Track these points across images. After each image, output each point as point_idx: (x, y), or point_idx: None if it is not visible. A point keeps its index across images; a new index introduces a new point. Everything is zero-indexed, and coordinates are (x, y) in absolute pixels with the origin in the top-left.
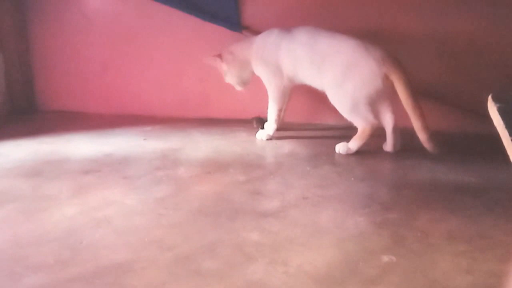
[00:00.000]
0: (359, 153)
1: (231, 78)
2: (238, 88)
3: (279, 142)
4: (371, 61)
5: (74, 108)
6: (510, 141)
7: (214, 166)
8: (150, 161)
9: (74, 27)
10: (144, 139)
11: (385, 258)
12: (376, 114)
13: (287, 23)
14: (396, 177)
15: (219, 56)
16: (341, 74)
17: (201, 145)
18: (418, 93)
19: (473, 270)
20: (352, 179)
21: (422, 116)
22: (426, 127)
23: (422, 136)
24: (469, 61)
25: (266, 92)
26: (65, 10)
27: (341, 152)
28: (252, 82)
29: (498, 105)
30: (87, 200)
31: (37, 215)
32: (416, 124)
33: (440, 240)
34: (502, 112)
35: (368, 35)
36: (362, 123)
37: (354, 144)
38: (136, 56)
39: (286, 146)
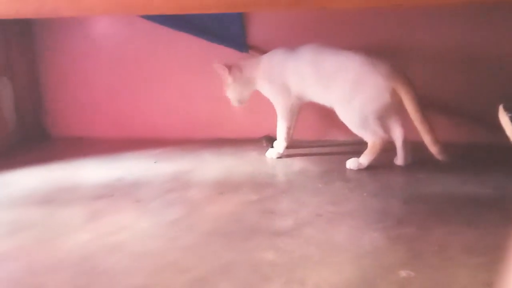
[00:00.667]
0: (370, 168)
1: (232, 92)
2: (235, 104)
3: (289, 160)
4: (378, 76)
5: (85, 134)
6: None
7: (226, 187)
8: (161, 184)
9: (82, 53)
10: (155, 162)
11: (403, 274)
12: (385, 128)
13: (293, 42)
14: (409, 191)
15: (229, 67)
16: (349, 90)
17: (211, 166)
18: (426, 105)
19: (492, 282)
20: (365, 194)
21: (431, 130)
22: (436, 140)
23: (433, 149)
24: (476, 72)
25: (275, 110)
26: (73, 36)
27: (352, 167)
28: (261, 101)
29: (510, 114)
30: (101, 226)
31: (51, 242)
32: (426, 138)
33: (457, 253)
34: None
35: (373, 51)
36: (372, 138)
37: (365, 159)
38: (145, 79)
39: (297, 164)
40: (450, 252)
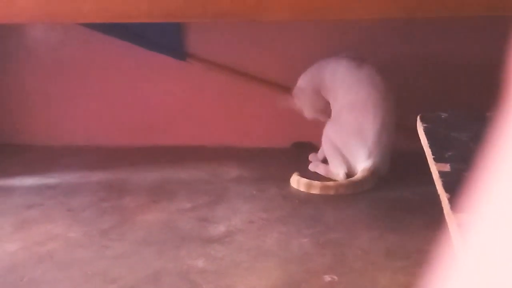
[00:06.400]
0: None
1: (308, 112)
2: (322, 119)
3: (225, 167)
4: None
5: (18, 141)
6: (433, 159)
7: (160, 195)
8: (95, 192)
9: (15, 58)
10: (89, 171)
11: (327, 278)
12: None
13: (234, 49)
14: (339, 197)
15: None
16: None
17: (147, 173)
18: None
19: (411, 285)
20: (297, 201)
21: None
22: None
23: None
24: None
25: (213, 116)
26: (3, 42)
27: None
28: (199, 108)
29: (425, 125)
30: (30, 235)
31: None
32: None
33: (380, 257)
34: (427, 132)
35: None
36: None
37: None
38: (80, 86)
39: (233, 171)
40: (373, 256)
